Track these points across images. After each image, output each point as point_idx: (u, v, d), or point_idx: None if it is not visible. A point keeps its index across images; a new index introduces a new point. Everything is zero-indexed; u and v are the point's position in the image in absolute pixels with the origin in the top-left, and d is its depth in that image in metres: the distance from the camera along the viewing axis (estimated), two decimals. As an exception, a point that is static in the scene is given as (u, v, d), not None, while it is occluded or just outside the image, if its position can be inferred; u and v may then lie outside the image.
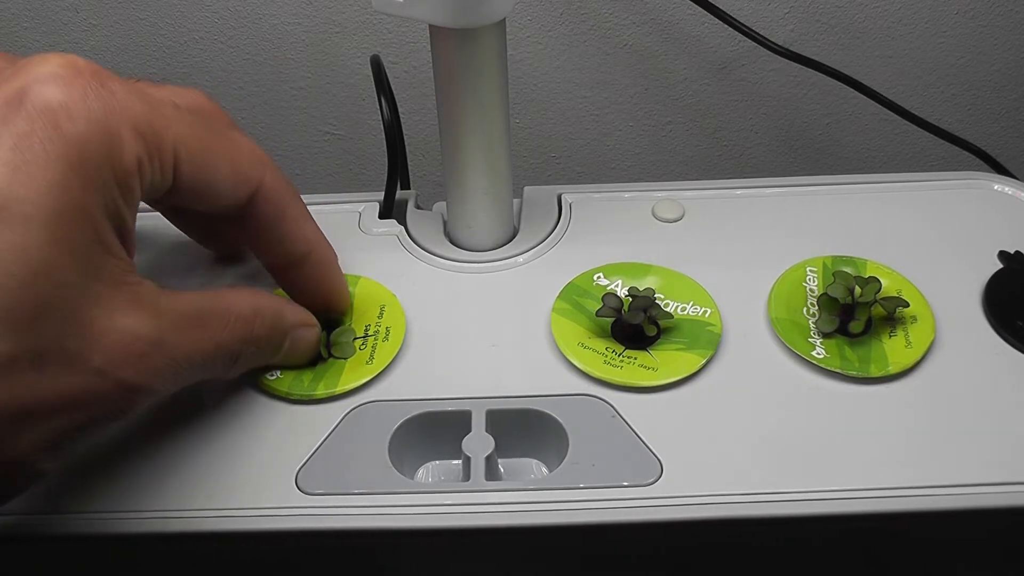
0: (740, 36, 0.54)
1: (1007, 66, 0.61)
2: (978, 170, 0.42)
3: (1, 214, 0.22)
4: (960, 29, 0.59)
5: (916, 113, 0.55)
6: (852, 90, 0.55)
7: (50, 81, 0.24)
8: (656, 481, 0.29)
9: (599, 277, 0.35)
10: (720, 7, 0.53)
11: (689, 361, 0.32)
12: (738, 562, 0.31)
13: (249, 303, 0.29)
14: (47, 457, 0.24)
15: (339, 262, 0.34)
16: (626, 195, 0.40)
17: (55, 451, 0.24)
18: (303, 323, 0.31)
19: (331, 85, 0.61)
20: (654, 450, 0.29)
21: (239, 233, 0.31)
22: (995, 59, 0.61)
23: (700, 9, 0.54)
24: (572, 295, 0.34)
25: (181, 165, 0.26)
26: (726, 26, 0.53)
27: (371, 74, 0.39)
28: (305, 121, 0.63)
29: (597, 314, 0.33)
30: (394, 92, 0.39)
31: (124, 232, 0.25)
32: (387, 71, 0.39)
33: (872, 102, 0.55)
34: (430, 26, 0.32)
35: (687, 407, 0.31)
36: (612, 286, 0.35)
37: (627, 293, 0.34)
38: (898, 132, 0.63)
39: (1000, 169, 0.56)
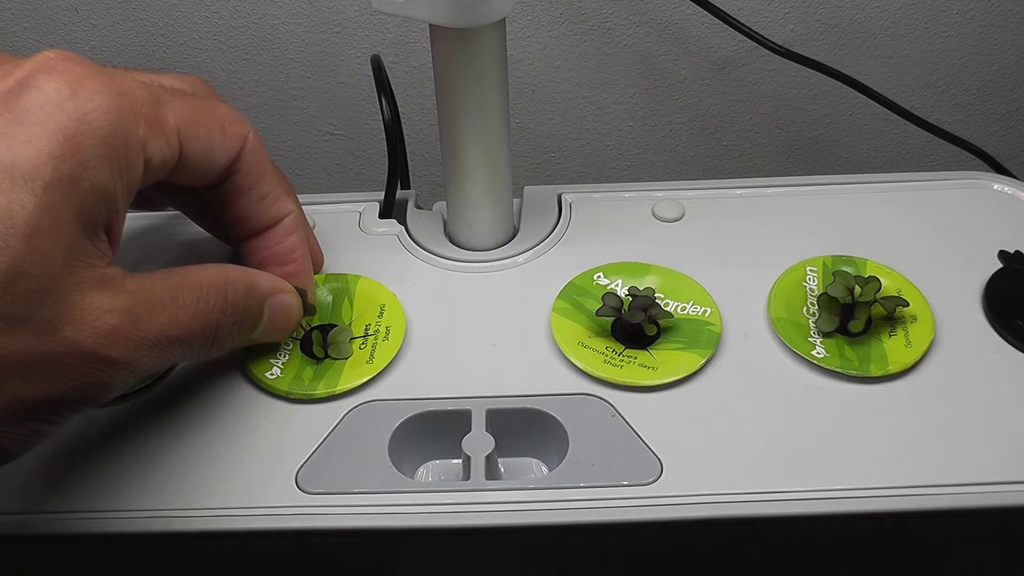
0: (740, 36, 0.54)
1: (1007, 66, 0.61)
2: (978, 170, 0.42)
3: None
4: (960, 29, 0.59)
5: (916, 113, 0.55)
6: (852, 90, 0.55)
7: (53, 69, 0.24)
8: (656, 480, 0.29)
9: (599, 277, 0.35)
10: (720, 7, 0.53)
11: (689, 361, 0.32)
12: (738, 561, 0.31)
13: (219, 274, 0.29)
14: (13, 431, 0.24)
15: (339, 262, 0.34)
16: (626, 195, 0.40)
17: (21, 424, 0.24)
18: (279, 289, 0.31)
19: (331, 85, 0.61)
20: (654, 449, 0.29)
21: (224, 201, 0.32)
22: (995, 59, 0.61)
23: (700, 9, 0.54)
24: (572, 295, 0.34)
25: (184, 138, 0.27)
26: (726, 26, 0.54)
27: (371, 74, 0.39)
28: (305, 121, 0.63)
29: (597, 314, 0.33)
30: (394, 92, 0.39)
31: (112, 217, 0.26)
32: (387, 71, 0.39)
33: (872, 102, 0.55)
34: (430, 26, 0.32)
35: (687, 407, 0.31)
36: (612, 286, 0.35)
37: (627, 293, 0.34)
38: (898, 132, 0.63)
39: (1000, 169, 0.56)
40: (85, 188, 0.24)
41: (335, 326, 0.33)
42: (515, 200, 0.39)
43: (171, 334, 0.26)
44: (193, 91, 0.30)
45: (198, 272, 0.28)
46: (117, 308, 0.25)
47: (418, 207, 0.40)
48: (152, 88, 0.27)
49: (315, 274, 0.35)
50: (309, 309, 0.33)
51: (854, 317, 0.32)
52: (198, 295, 0.28)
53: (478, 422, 0.30)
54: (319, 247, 0.35)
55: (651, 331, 0.32)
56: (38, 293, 0.23)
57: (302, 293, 0.32)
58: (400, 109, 0.40)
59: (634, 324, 0.32)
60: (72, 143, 0.24)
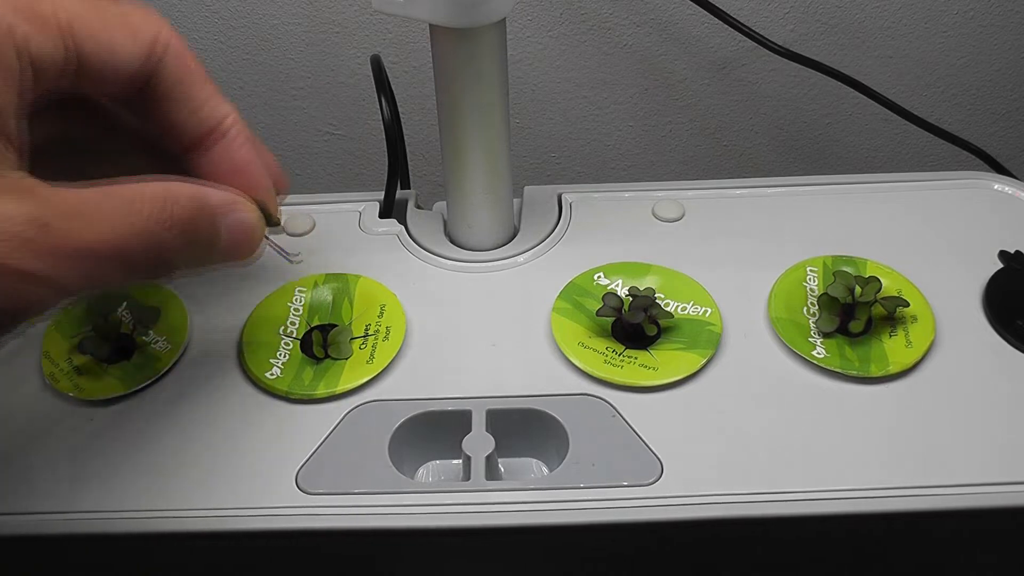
0: (740, 36, 0.54)
1: (1007, 67, 0.61)
2: (978, 170, 0.42)
3: None
4: (960, 29, 0.59)
5: (916, 113, 0.55)
6: (852, 90, 0.55)
7: None
8: (656, 481, 0.29)
9: (599, 277, 0.35)
10: (720, 7, 0.53)
11: (689, 361, 0.32)
12: (738, 562, 0.31)
13: (159, 185, 0.26)
14: None
15: (339, 262, 0.33)
16: (626, 195, 0.40)
17: None
18: (232, 203, 0.28)
19: (331, 85, 0.61)
20: (654, 450, 0.29)
21: (148, 112, 0.28)
22: (995, 59, 0.61)
23: (700, 9, 0.54)
24: (572, 295, 0.34)
25: (76, 35, 0.25)
26: (726, 26, 0.53)
27: (371, 74, 0.39)
28: (305, 121, 0.63)
29: (597, 314, 0.33)
30: (394, 92, 0.39)
31: (4, 121, 0.23)
32: (387, 71, 0.39)
33: (872, 102, 0.55)
34: (430, 26, 0.32)
35: (687, 407, 0.31)
36: (612, 286, 0.35)
37: (627, 293, 0.34)
38: (898, 132, 0.63)
39: (1000, 169, 0.56)
40: None
41: (335, 326, 0.33)
42: (515, 200, 0.39)
43: (97, 247, 0.24)
44: None
45: (132, 183, 0.25)
46: (25, 217, 0.23)
47: (418, 207, 0.40)
48: None
49: (280, 192, 0.31)
50: (272, 221, 0.30)
51: (854, 317, 0.32)
52: (130, 207, 0.25)
53: (478, 422, 0.30)
54: (276, 162, 0.31)
55: (651, 331, 0.32)
56: None
57: (262, 208, 0.29)
58: (400, 109, 0.40)
59: (634, 324, 0.32)
60: None
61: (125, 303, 0.34)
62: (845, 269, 0.35)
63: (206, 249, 0.27)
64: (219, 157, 0.29)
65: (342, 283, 0.35)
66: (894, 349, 0.32)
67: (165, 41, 0.27)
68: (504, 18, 0.32)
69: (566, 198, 0.40)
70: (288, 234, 0.39)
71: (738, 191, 0.40)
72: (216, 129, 0.28)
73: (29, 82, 0.24)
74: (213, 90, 0.28)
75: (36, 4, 0.24)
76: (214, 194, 0.27)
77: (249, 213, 0.28)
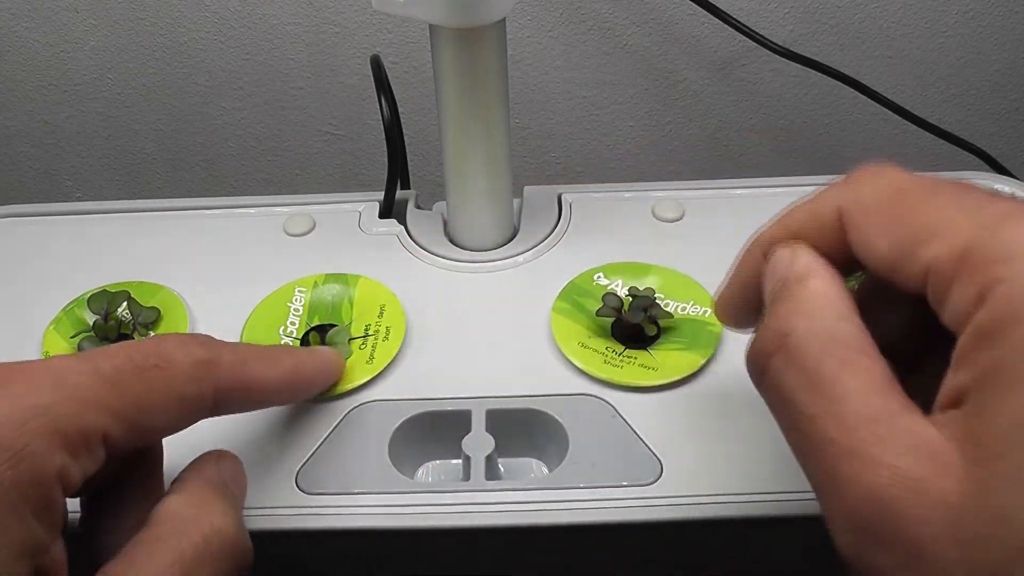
0: (740, 36, 0.54)
1: (1007, 66, 0.61)
2: (978, 170, 0.42)
3: None
4: (960, 29, 0.59)
5: (916, 113, 0.55)
6: (852, 90, 0.55)
7: None
8: (656, 481, 0.29)
9: (599, 277, 0.35)
10: (720, 7, 0.53)
11: (689, 361, 0.32)
12: (737, 561, 0.31)
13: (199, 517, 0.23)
14: None
15: (339, 262, 0.33)
16: (626, 195, 0.40)
17: None
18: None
19: (331, 85, 0.61)
20: (654, 450, 0.29)
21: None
22: (995, 59, 0.61)
23: (700, 9, 0.54)
24: (572, 295, 0.34)
25: (114, 440, 0.22)
26: (726, 26, 0.53)
27: (371, 74, 0.39)
28: (305, 121, 0.63)
29: (597, 314, 0.33)
30: (394, 92, 0.39)
31: (43, 557, 0.21)
32: (387, 71, 0.39)
33: (872, 102, 0.55)
34: (430, 26, 0.32)
35: (687, 407, 0.31)
36: (612, 286, 0.35)
37: (627, 293, 0.34)
38: (898, 132, 0.63)
39: (1000, 169, 0.56)
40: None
41: (334, 326, 0.33)
42: (515, 200, 0.39)
43: None
44: (140, 366, 0.23)
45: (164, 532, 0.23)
46: None
47: (418, 207, 0.40)
48: (69, 386, 0.22)
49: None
50: None
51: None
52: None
53: (478, 422, 0.30)
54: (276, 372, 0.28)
55: (651, 331, 0.32)
56: None
57: None
58: (400, 109, 0.40)
59: (634, 324, 0.32)
60: None
61: (125, 303, 0.34)
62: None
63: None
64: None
65: (342, 283, 0.35)
66: (894, 349, 0.32)
67: (221, 393, 0.25)
68: (504, 18, 0.32)
69: (566, 198, 0.40)
70: (288, 234, 0.39)
71: (738, 191, 0.40)
72: (284, 397, 0.29)
73: (65, 509, 0.22)
74: (273, 374, 0.27)
75: (75, 410, 0.21)
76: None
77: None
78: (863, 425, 0.19)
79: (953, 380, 0.19)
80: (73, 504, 0.24)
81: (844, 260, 0.22)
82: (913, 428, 0.19)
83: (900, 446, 0.19)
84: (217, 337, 0.34)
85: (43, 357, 0.33)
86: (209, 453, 0.26)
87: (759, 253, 0.24)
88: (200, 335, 0.26)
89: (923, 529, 0.18)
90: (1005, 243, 0.19)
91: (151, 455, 0.26)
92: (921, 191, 0.21)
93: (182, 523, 0.23)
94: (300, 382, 0.29)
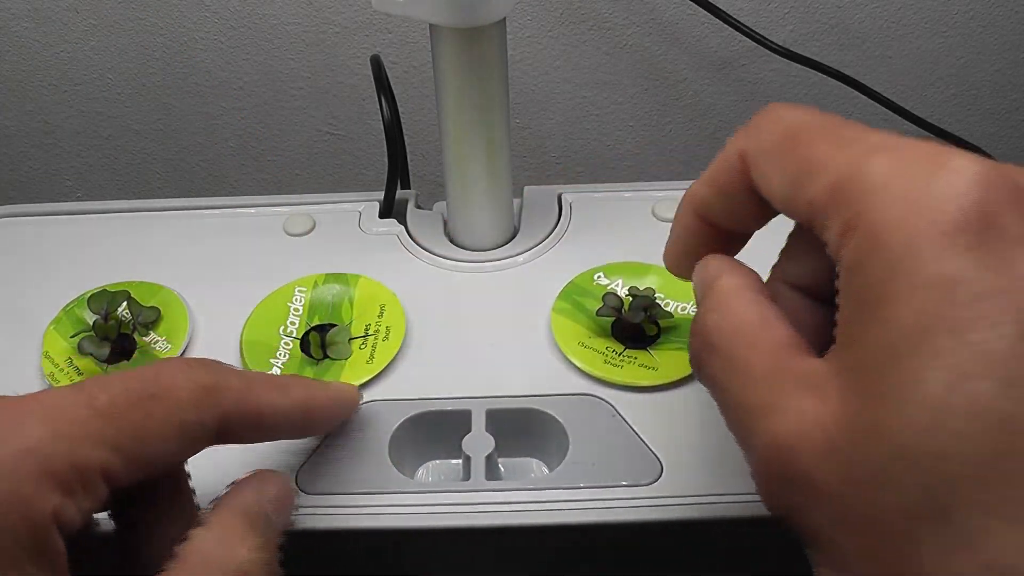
0: (740, 36, 0.54)
1: (1007, 66, 0.61)
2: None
3: None
4: (960, 29, 0.59)
5: (916, 113, 0.55)
6: (852, 90, 0.55)
7: None
8: (656, 481, 0.29)
9: (599, 277, 0.35)
10: (720, 7, 0.53)
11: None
12: (737, 562, 0.31)
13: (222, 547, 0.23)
14: None
15: (339, 262, 0.33)
16: (626, 195, 0.40)
17: None
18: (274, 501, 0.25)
19: (331, 85, 0.61)
20: (654, 450, 0.29)
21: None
22: (995, 59, 0.61)
23: (700, 9, 0.54)
24: (572, 295, 0.34)
25: (113, 474, 0.21)
26: (726, 26, 0.53)
27: (371, 74, 0.39)
28: (305, 121, 0.63)
29: (597, 314, 0.33)
30: (394, 92, 0.39)
31: None
32: (387, 71, 0.39)
33: (872, 102, 0.55)
34: (430, 26, 0.32)
35: (687, 407, 0.31)
36: (612, 286, 0.35)
37: (627, 293, 0.34)
38: (898, 132, 0.63)
39: (1000, 169, 0.56)
40: None
41: (334, 326, 0.33)
42: (515, 200, 0.39)
43: None
44: (139, 394, 0.22)
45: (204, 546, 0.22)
46: None
47: (418, 207, 0.40)
48: (65, 424, 0.21)
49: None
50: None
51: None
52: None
53: (478, 422, 0.30)
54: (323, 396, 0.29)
55: (651, 331, 0.32)
56: None
57: None
58: (400, 109, 0.40)
59: (634, 324, 0.32)
60: None
61: (125, 303, 0.34)
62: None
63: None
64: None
65: (342, 283, 0.35)
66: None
67: (226, 419, 0.24)
68: (504, 18, 0.32)
69: (566, 198, 0.40)
70: (288, 234, 0.39)
71: (738, 191, 0.40)
72: (295, 427, 0.28)
73: (64, 549, 0.21)
74: (284, 403, 0.26)
75: (70, 451, 0.20)
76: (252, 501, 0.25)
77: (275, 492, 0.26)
78: (764, 382, 0.21)
79: (838, 314, 0.20)
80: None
81: (759, 201, 0.23)
82: (805, 370, 0.21)
83: (793, 389, 0.20)
84: (217, 338, 0.34)
85: (44, 357, 0.33)
86: (253, 476, 0.25)
87: (690, 211, 0.26)
88: (206, 359, 0.25)
89: (810, 459, 0.19)
90: (867, 176, 0.20)
91: (173, 474, 0.25)
92: (809, 130, 0.22)
93: (205, 563, 0.22)
94: (312, 413, 0.28)
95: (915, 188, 0.19)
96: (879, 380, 0.19)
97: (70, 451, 0.20)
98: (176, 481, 0.25)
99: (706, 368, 0.24)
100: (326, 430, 0.30)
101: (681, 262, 0.27)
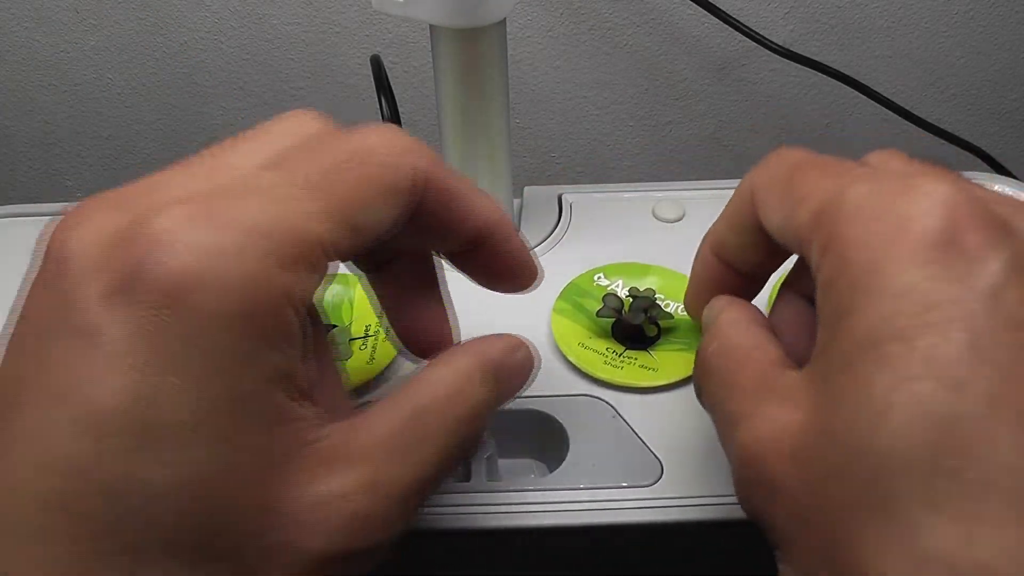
0: (740, 36, 0.54)
1: (1007, 66, 0.61)
2: (978, 170, 0.42)
3: (147, 434, 0.18)
4: (960, 29, 0.59)
5: (916, 113, 0.55)
6: (852, 90, 0.55)
7: (166, 240, 0.19)
8: (656, 482, 0.29)
9: (599, 277, 0.35)
10: (720, 7, 0.53)
11: (689, 361, 0.32)
12: (737, 562, 0.31)
13: (452, 374, 0.23)
14: None
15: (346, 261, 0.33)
16: (626, 195, 0.40)
17: None
18: (510, 350, 0.25)
19: (331, 85, 0.61)
20: (654, 450, 0.29)
21: (407, 237, 0.24)
22: (995, 59, 0.61)
23: (700, 9, 0.54)
24: (572, 295, 0.34)
25: (332, 246, 0.21)
26: (726, 26, 0.53)
27: (371, 74, 0.39)
28: (305, 121, 0.63)
29: (597, 314, 0.33)
30: (394, 92, 0.39)
31: (294, 377, 0.20)
32: (387, 71, 0.39)
33: (872, 102, 0.55)
34: (430, 26, 0.32)
35: (687, 407, 0.31)
36: (612, 286, 0.35)
37: (627, 293, 0.34)
38: (898, 132, 0.63)
39: (1000, 169, 0.56)
40: (254, 389, 0.19)
41: (335, 326, 0.33)
42: (515, 200, 0.39)
43: (424, 480, 0.22)
44: (324, 145, 0.22)
45: (429, 387, 0.23)
46: (352, 488, 0.20)
47: (418, 207, 0.40)
48: (282, 197, 0.20)
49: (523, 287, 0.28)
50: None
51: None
52: (442, 418, 0.22)
53: (478, 423, 0.30)
54: (528, 252, 0.27)
55: (651, 332, 0.32)
56: (250, 529, 0.19)
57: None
58: (400, 109, 0.40)
59: (635, 325, 0.32)
60: (223, 351, 0.19)
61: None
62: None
63: (496, 405, 0.25)
64: (488, 256, 0.26)
65: (342, 284, 0.35)
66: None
67: (424, 177, 0.23)
68: (504, 18, 0.32)
69: (566, 198, 0.40)
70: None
71: (738, 191, 0.40)
72: (479, 234, 0.25)
73: (299, 322, 0.21)
74: (475, 198, 0.25)
75: (294, 221, 0.20)
76: (495, 350, 0.25)
77: (523, 352, 0.26)
78: (748, 395, 0.23)
79: (818, 330, 0.21)
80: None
81: (768, 239, 0.25)
82: (785, 382, 0.22)
83: (770, 399, 0.22)
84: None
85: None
86: (503, 336, 0.25)
87: (708, 251, 0.28)
88: (392, 125, 0.24)
89: (775, 462, 0.21)
90: (844, 203, 0.21)
91: (419, 257, 0.27)
92: (806, 166, 0.23)
93: (434, 403, 0.22)
94: (501, 228, 0.25)
95: (884, 209, 0.20)
96: (834, 386, 0.20)
97: (291, 229, 0.20)
98: (426, 265, 0.27)
99: (704, 390, 0.25)
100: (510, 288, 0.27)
101: (699, 304, 0.28)
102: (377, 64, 0.39)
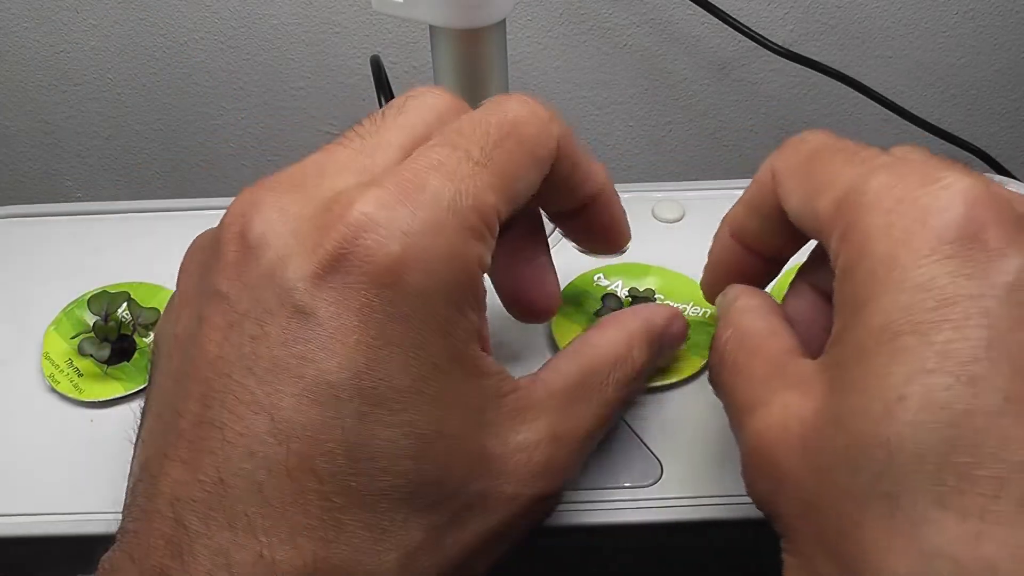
0: (740, 36, 0.54)
1: (1007, 66, 0.61)
2: (978, 170, 0.42)
3: (375, 401, 0.20)
4: (960, 29, 0.59)
5: (916, 113, 0.55)
6: (852, 90, 0.55)
7: (371, 224, 0.20)
8: (656, 482, 0.29)
9: (599, 278, 0.35)
10: (720, 7, 0.53)
11: (689, 362, 0.32)
12: (737, 563, 0.31)
13: (619, 337, 0.26)
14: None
15: None
16: (626, 195, 0.40)
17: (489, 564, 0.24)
18: (671, 319, 0.28)
19: (331, 85, 0.61)
20: (654, 451, 0.29)
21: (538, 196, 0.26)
22: (995, 59, 0.61)
23: (700, 9, 0.53)
24: (572, 295, 0.34)
25: (501, 215, 0.23)
26: (726, 26, 0.53)
27: (371, 74, 0.39)
28: (305, 121, 0.63)
29: (597, 314, 0.33)
30: (394, 92, 0.39)
31: (482, 336, 0.23)
32: (387, 71, 0.39)
33: (872, 102, 0.55)
34: (430, 26, 0.32)
35: (687, 407, 0.31)
36: (612, 286, 0.35)
37: (627, 294, 0.34)
38: (898, 132, 0.63)
39: (1000, 169, 0.56)
40: (458, 350, 0.22)
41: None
42: (515, 201, 0.39)
43: (593, 432, 0.25)
44: (478, 130, 0.23)
45: (598, 346, 0.26)
46: (542, 439, 0.23)
47: (418, 207, 0.40)
48: (458, 176, 0.22)
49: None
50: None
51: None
52: (607, 374, 0.25)
53: (478, 423, 0.30)
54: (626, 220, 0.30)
55: (651, 332, 0.32)
56: (465, 476, 0.22)
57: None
58: (400, 109, 0.40)
59: (634, 325, 0.32)
60: (431, 322, 0.21)
61: (125, 304, 0.34)
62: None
63: (655, 366, 0.28)
64: (593, 217, 0.28)
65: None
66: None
67: (561, 145, 0.25)
68: (504, 19, 0.32)
69: (566, 198, 0.40)
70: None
71: (738, 191, 0.39)
72: (592, 196, 0.28)
73: (484, 290, 0.23)
74: (592, 163, 0.27)
75: (484, 212, 0.22)
76: (657, 316, 0.27)
77: (682, 320, 0.29)
78: (761, 384, 0.23)
79: (834, 319, 0.21)
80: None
81: (788, 222, 0.25)
82: (798, 370, 0.22)
83: (783, 387, 0.22)
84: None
85: (44, 358, 0.33)
86: (663, 306, 0.28)
87: (727, 233, 0.28)
88: (528, 96, 0.25)
89: (785, 449, 0.21)
90: (866, 190, 0.21)
91: (531, 221, 0.28)
92: (828, 149, 0.23)
93: (603, 365, 0.25)
94: (608, 192, 0.28)
95: (904, 201, 0.20)
96: (848, 375, 0.20)
97: (475, 203, 0.22)
98: (536, 229, 0.28)
99: (717, 378, 0.25)
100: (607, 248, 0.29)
101: (716, 285, 0.28)
102: (377, 64, 0.39)
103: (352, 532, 0.20)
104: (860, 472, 0.19)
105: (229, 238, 0.22)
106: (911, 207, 0.20)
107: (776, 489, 0.21)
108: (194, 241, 0.24)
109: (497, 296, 0.29)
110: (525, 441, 0.23)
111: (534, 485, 0.23)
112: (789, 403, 0.21)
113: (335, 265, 0.20)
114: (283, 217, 0.21)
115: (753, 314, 0.25)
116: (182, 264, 0.24)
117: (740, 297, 0.26)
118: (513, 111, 0.24)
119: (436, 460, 0.21)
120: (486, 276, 0.24)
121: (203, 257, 0.23)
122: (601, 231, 0.29)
